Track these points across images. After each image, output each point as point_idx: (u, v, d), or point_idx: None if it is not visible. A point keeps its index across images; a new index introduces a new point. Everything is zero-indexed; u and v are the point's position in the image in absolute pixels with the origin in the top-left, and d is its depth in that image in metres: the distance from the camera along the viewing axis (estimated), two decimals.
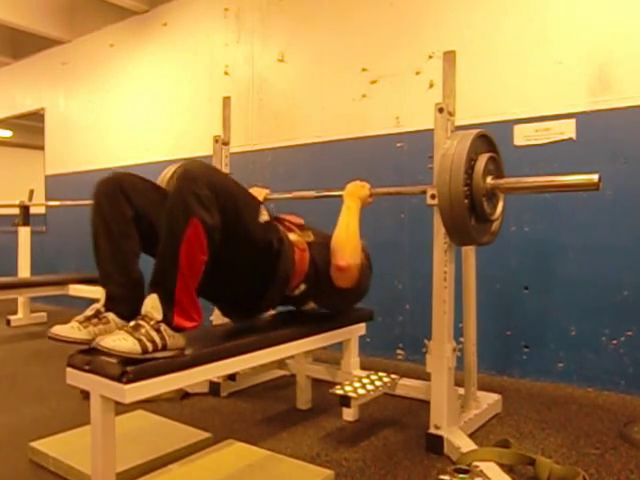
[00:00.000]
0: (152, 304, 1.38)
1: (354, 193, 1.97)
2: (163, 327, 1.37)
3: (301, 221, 2.01)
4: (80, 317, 1.46)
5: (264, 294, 1.70)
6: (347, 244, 1.82)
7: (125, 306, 1.49)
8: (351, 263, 1.79)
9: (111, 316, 1.48)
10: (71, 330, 1.41)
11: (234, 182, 1.59)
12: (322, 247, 1.90)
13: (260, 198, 2.40)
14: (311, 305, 2.09)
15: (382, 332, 2.92)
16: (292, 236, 1.84)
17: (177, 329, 1.40)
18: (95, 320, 1.45)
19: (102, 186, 1.55)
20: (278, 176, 3.46)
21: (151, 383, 1.35)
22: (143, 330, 1.34)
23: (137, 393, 1.32)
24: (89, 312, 1.47)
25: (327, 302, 2.06)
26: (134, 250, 1.56)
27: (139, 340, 1.32)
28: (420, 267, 2.79)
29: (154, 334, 1.35)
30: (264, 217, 1.63)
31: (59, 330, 1.41)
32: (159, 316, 1.37)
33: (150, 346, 1.34)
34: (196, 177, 1.40)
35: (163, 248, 1.41)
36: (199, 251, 1.40)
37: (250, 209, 1.60)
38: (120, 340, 1.30)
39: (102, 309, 1.48)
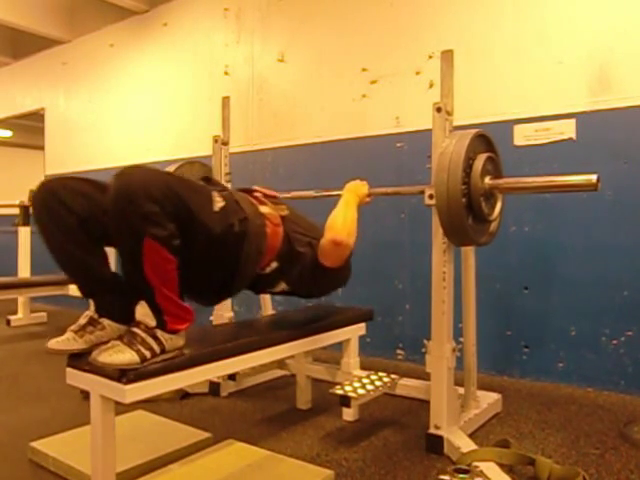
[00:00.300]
0: (143, 312, 1.37)
1: (352, 190, 1.96)
2: (159, 332, 1.37)
3: (274, 193, 1.93)
4: (74, 326, 1.44)
5: (233, 278, 1.62)
6: (345, 223, 1.77)
7: (115, 309, 1.47)
8: (346, 240, 1.74)
9: (106, 322, 1.45)
10: (68, 342, 1.40)
11: (175, 181, 1.45)
12: (297, 224, 1.84)
13: None
14: (282, 286, 1.88)
15: (382, 332, 2.92)
16: (264, 209, 1.74)
17: (172, 332, 1.40)
18: (90, 328, 1.43)
19: (38, 201, 1.43)
20: (278, 176, 3.46)
21: (151, 383, 1.35)
22: (139, 338, 1.34)
23: (137, 393, 1.32)
24: (83, 320, 1.45)
25: (300, 284, 1.87)
26: (95, 255, 1.48)
27: (137, 351, 1.32)
28: (420, 267, 2.78)
29: (150, 340, 1.35)
30: (219, 204, 1.53)
31: (56, 344, 1.40)
32: (153, 322, 1.37)
33: (148, 354, 1.34)
34: (134, 194, 1.27)
35: (128, 272, 1.38)
36: (164, 262, 1.34)
37: (201, 203, 1.48)
38: (117, 353, 1.30)
39: (95, 315, 1.46)
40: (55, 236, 1.43)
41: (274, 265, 1.75)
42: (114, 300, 1.48)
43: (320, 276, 1.82)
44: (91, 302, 1.52)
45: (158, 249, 1.31)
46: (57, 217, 1.41)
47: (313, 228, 1.91)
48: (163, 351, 1.38)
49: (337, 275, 1.88)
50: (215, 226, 1.49)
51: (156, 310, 1.37)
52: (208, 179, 1.84)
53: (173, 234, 1.34)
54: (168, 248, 1.33)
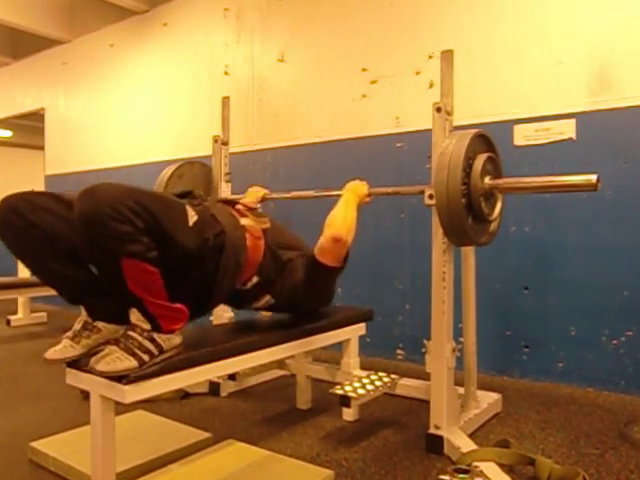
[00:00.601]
0: (137, 317, 1.36)
1: (352, 190, 1.96)
2: (155, 334, 1.36)
3: (255, 205, 1.92)
4: (70, 333, 1.43)
5: (211, 292, 1.58)
6: (345, 221, 1.76)
7: (107, 310, 1.46)
8: (345, 237, 1.73)
9: (101, 324, 1.44)
10: (65, 350, 1.40)
11: (145, 196, 1.35)
12: (280, 236, 1.83)
13: (259, 197, 2.38)
14: (267, 299, 1.81)
15: (382, 332, 2.92)
16: (245, 221, 1.72)
17: (169, 332, 1.39)
18: (86, 332, 1.43)
19: (1, 221, 1.38)
20: (278, 176, 3.46)
21: (151, 383, 1.35)
22: (136, 342, 1.33)
23: (137, 393, 1.33)
24: (77, 326, 1.44)
25: (286, 295, 1.80)
26: (69, 263, 1.43)
27: (134, 355, 1.31)
28: (420, 267, 2.78)
29: (147, 343, 1.35)
30: (193, 219, 1.48)
31: (53, 354, 1.39)
32: (148, 326, 1.36)
33: (147, 357, 1.34)
34: (103, 216, 1.22)
35: (112, 286, 1.36)
36: (146, 275, 1.32)
37: (174, 218, 1.43)
38: (115, 360, 1.29)
39: (89, 319, 1.45)
40: (22, 251, 1.41)
41: (255, 280, 1.73)
42: (103, 302, 1.47)
43: (307, 288, 1.79)
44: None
45: (137, 265, 1.29)
46: (20, 231, 1.37)
47: (297, 241, 1.91)
48: (161, 352, 1.38)
49: (325, 288, 1.88)
50: (189, 242, 1.46)
51: (149, 317, 1.36)
52: (188, 193, 1.76)
53: (150, 247, 1.31)
54: (147, 261, 1.31)
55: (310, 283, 1.79)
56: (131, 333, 1.35)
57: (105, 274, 1.36)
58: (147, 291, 1.33)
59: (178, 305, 1.42)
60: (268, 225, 1.81)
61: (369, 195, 1.99)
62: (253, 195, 2.40)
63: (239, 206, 1.83)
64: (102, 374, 1.29)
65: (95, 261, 1.35)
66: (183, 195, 1.71)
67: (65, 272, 1.43)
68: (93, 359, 1.33)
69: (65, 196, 1.45)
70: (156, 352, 1.36)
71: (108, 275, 1.35)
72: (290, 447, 1.83)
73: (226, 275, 1.58)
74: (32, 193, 1.45)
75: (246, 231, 1.68)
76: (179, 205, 1.50)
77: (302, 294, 1.81)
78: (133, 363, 1.31)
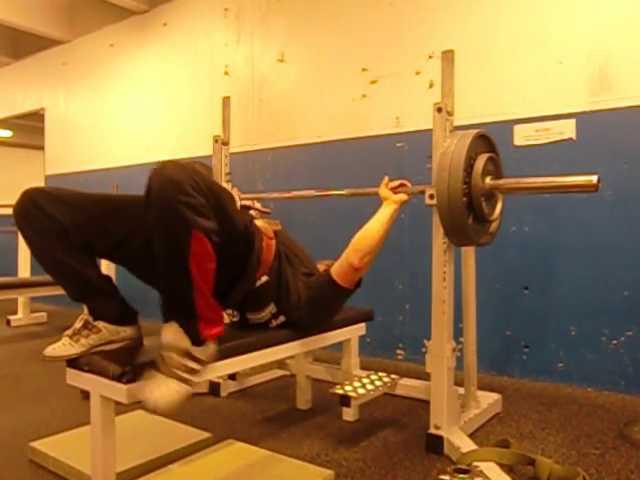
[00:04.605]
0: (174, 335, 1.30)
1: (397, 201, 1.86)
2: (195, 350, 1.32)
3: (267, 210, 1.93)
4: (69, 331, 1.43)
5: (237, 282, 1.58)
6: (370, 248, 1.69)
7: (109, 310, 1.46)
8: (364, 269, 1.70)
9: (101, 324, 1.44)
10: (64, 348, 1.39)
11: (210, 177, 1.53)
12: (289, 242, 1.83)
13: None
14: (270, 309, 1.72)
15: (382, 332, 2.92)
16: (259, 222, 1.75)
17: (206, 339, 1.36)
18: (86, 332, 1.42)
19: (18, 208, 1.42)
20: (278, 176, 3.46)
21: None
22: (178, 363, 1.29)
23: (137, 393, 1.32)
24: (78, 324, 1.44)
25: (293, 307, 1.73)
26: (80, 258, 1.45)
27: (182, 380, 1.28)
28: (420, 267, 2.79)
29: (189, 362, 1.31)
30: (239, 203, 1.63)
31: (52, 351, 1.39)
32: (186, 343, 1.31)
33: (195, 378, 1.32)
34: (181, 184, 1.25)
35: (169, 270, 1.31)
36: (208, 261, 1.32)
37: (232, 201, 1.52)
38: (160, 387, 1.25)
39: (90, 318, 1.45)
40: (36, 241, 1.42)
41: (264, 279, 1.68)
42: (107, 302, 1.47)
43: (316, 298, 1.73)
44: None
45: (205, 244, 1.29)
46: (36, 222, 1.40)
47: (303, 251, 1.91)
48: (202, 363, 1.35)
49: (332, 308, 1.82)
50: (239, 223, 1.52)
51: (191, 314, 1.32)
52: None
53: (216, 230, 1.33)
54: (212, 243, 1.31)
55: (320, 300, 1.75)
56: (169, 354, 1.29)
57: (170, 249, 1.29)
58: (202, 277, 1.31)
59: (219, 306, 1.40)
60: (279, 227, 1.83)
61: (402, 199, 1.87)
62: None
63: (252, 210, 1.86)
64: (159, 409, 1.25)
65: (162, 232, 1.28)
66: None
67: (75, 267, 1.44)
68: (136, 387, 1.28)
69: (86, 192, 1.53)
70: (199, 368, 1.33)
71: (172, 250, 1.28)
72: (290, 447, 1.83)
73: (252, 267, 1.59)
74: (54, 188, 1.48)
75: (261, 232, 1.70)
76: (229, 192, 1.61)
77: (308, 309, 1.73)
78: (185, 388, 1.28)
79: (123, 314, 1.50)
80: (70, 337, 1.41)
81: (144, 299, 1.74)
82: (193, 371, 1.31)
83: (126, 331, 1.50)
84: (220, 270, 1.39)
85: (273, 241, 1.73)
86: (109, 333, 1.45)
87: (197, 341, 1.33)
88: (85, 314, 1.46)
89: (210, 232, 1.31)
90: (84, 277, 1.46)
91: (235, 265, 1.54)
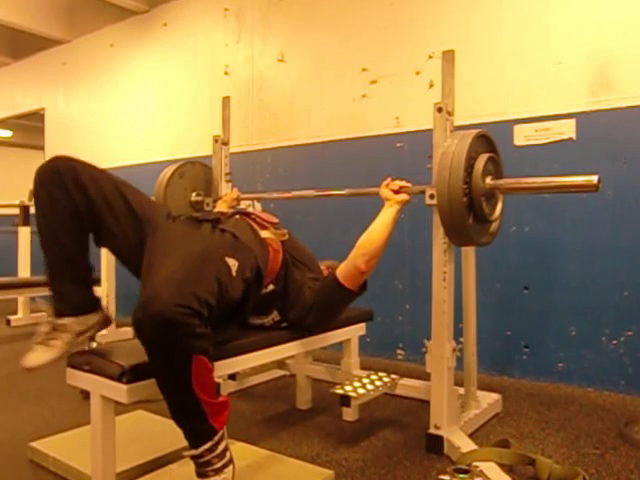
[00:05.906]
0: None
1: (399, 201, 1.84)
2: (218, 446, 1.32)
3: (275, 220, 1.88)
4: (38, 339, 1.42)
5: (239, 312, 1.61)
6: (376, 251, 1.71)
7: (76, 301, 1.47)
8: (370, 271, 1.71)
9: (65, 320, 1.44)
10: (40, 356, 1.40)
11: (196, 275, 1.31)
12: (296, 251, 1.83)
13: (234, 197, 2.43)
14: (273, 315, 1.76)
15: (382, 332, 2.92)
16: (265, 233, 1.75)
17: (221, 427, 1.34)
18: (55, 333, 1.43)
19: (41, 175, 1.41)
20: (278, 176, 3.46)
21: (151, 383, 1.34)
22: (206, 462, 1.30)
23: (137, 393, 1.33)
24: (44, 329, 1.43)
25: (295, 314, 1.75)
26: (80, 244, 1.46)
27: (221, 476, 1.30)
28: (420, 267, 2.79)
29: (216, 460, 1.31)
30: (234, 267, 1.46)
31: (30, 362, 1.40)
32: (205, 444, 1.30)
33: (229, 468, 1.33)
34: (175, 314, 1.15)
35: (172, 393, 1.27)
36: (207, 374, 1.27)
37: (226, 280, 1.40)
38: None
39: (54, 319, 1.44)
40: (47, 215, 1.41)
41: (270, 287, 1.70)
42: (80, 293, 1.48)
43: (319, 305, 1.73)
44: (94, 299, 1.53)
45: (204, 361, 1.24)
46: (53, 199, 1.39)
47: (310, 257, 1.90)
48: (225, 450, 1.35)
49: (335, 310, 1.83)
50: (237, 293, 1.48)
51: (203, 422, 1.29)
52: (215, 219, 1.70)
53: (210, 338, 1.26)
54: (209, 357, 1.26)
55: (326, 304, 1.75)
56: (198, 459, 1.31)
57: (171, 377, 1.24)
58: (204, 391, 1.26)
59: (223, 398, 1.36)
60: (287, 237, 1.83)
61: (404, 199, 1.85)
62: (229, 198, 2.44)
63: (259, 219, 1.82)
64: None
65: (158, 365, 1.24)
66: (209, 220, 1.67)
67: (73, 252, 1.44)
68: None
69: (112, 179, 1.50)
70: (228, 458, 1.34)
71: (174, 378, 1.24)
72: (290, 447, 1.83)
73: (254, 293, 1.61)
74: (82, 165, 1.46)
75: (267, 244, 1.70)
76: (221, 261, 1.44)
77: (313, 313, 1.73)
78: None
79: (87, 303, 1.50)
80: (40, 344, 1.42)
81: None
82: (224, 467, 1.32)
83: (93, 318, 1.51)
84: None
85: (279, 254, 1.73)
86: (77, 325, 1.45)
87: (214, 435, 1.31)
88: (47, 320, 1.47)
89: (208, 350, 1.26)
90: (75, 266, 1.47)
91: (232, 308, 1.54)
